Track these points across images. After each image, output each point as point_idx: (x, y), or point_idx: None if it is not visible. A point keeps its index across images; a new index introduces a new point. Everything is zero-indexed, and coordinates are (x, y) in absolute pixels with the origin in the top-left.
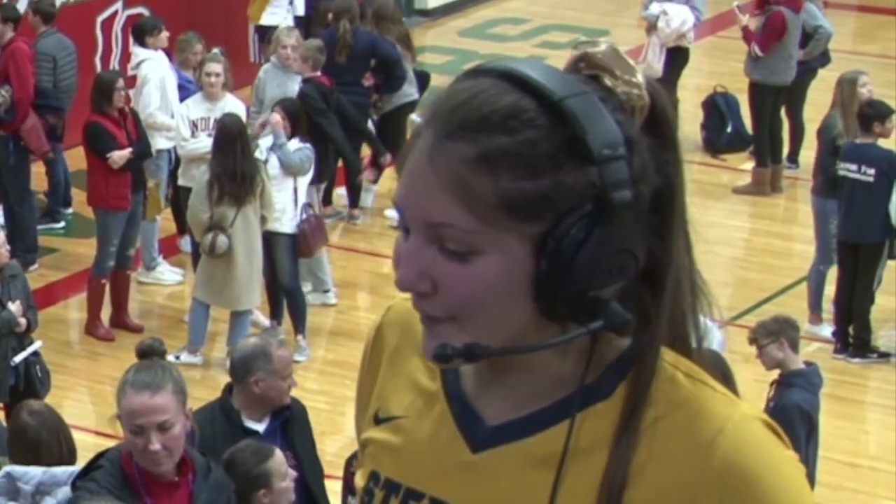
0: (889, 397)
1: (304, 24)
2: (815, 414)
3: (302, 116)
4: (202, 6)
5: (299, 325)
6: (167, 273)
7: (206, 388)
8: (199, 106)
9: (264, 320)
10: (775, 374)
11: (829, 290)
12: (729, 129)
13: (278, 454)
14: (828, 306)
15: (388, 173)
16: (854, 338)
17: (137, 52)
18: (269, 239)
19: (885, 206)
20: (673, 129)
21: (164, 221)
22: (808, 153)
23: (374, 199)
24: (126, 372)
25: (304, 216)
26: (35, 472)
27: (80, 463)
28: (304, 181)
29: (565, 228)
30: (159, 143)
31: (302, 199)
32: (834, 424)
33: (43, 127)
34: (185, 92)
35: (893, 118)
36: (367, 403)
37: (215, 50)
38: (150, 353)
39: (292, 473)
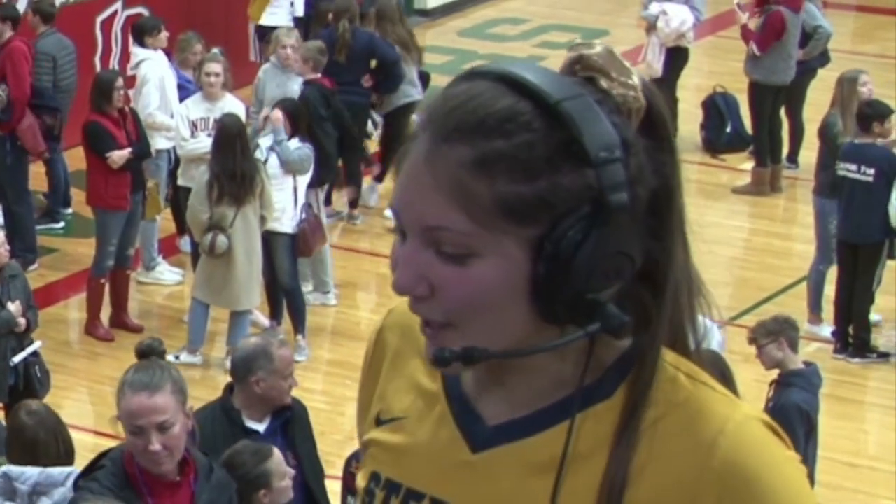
0: (888, 397)
1: (304, 25)
2: (815, 414)
3: (302, 117)
4: (202, 6)
5: (299, 324)
6: (167, 273)
7: (206, 388)
8: (199, 106)
9: (264, 320)
10: (775, 374)
11: (829, 290)
12: (728, 129)
13: (277, 454)
14: (828, 306)
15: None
16: (854, 338)
17: (137, 52)
18: (269, 239)
19: (884, 206)
20: (669, 131)
21: (164, 221)
22: (808, 153)
23: (377, 199)
24: (125, 373)
25: (304, 216)
26: (31, 473)
27: (79, 463)
28: (304, 181)
29: (562, 231)
30: (159, 143)
31: (301, 198)
32: (833, 424)
33: (39, 127)
34: (184, 92)
35: (893, 118)
36: (368, 406)
37: (215, 50)
38: (149, 353)
39: (290, 472)
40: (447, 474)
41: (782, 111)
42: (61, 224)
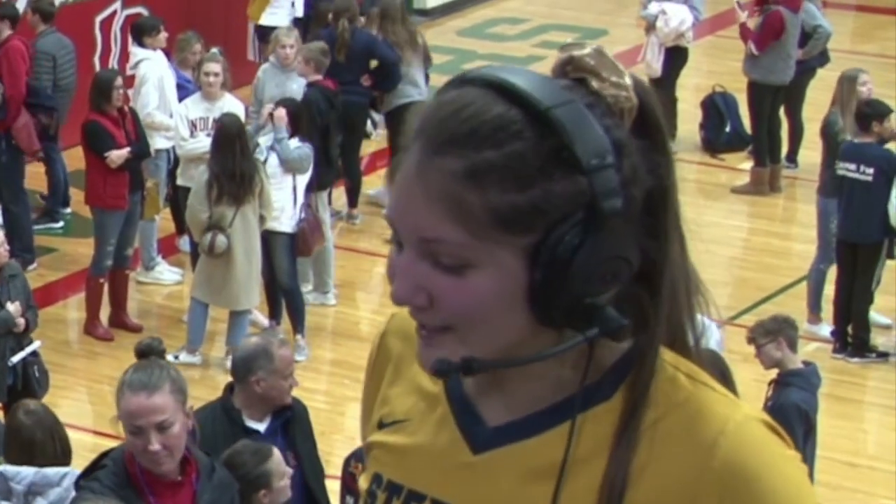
0: (888, 397)
1: (303, 25)
2: (814, 414)
3: (303, 117)
4: (201, 6)
5: (298, 324)
6: (166, 273)
7: (205, 387)
8: (198, 106)
9: (263, 320)
10: (774, 373)
11: (829, 289)
12: (728, 129)
13: (277, 453)
14: (827, 306)
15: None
16: (853, 337)
17: (136, 52)
18: (268, 238)
19: (883, 206)
20: (662, 130)
21: (163, 221)
22: (807, 153)
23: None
24: (124, 373)
25: (303, 215)
26: (27, 473)
27: (79, 463)
28: (303, 180)
29: (557, 238)
30: (158, 142)
31: (301, 198)
32: (833, 424)
33: (35, 126)
34: (184, 92)
35: (892, 117)
36: (371, 411)
37: (214, 50)
38: (148, 353)
39: (289, 472)
40: (448, 476)
41: (782, 111)
42: (60, 224)
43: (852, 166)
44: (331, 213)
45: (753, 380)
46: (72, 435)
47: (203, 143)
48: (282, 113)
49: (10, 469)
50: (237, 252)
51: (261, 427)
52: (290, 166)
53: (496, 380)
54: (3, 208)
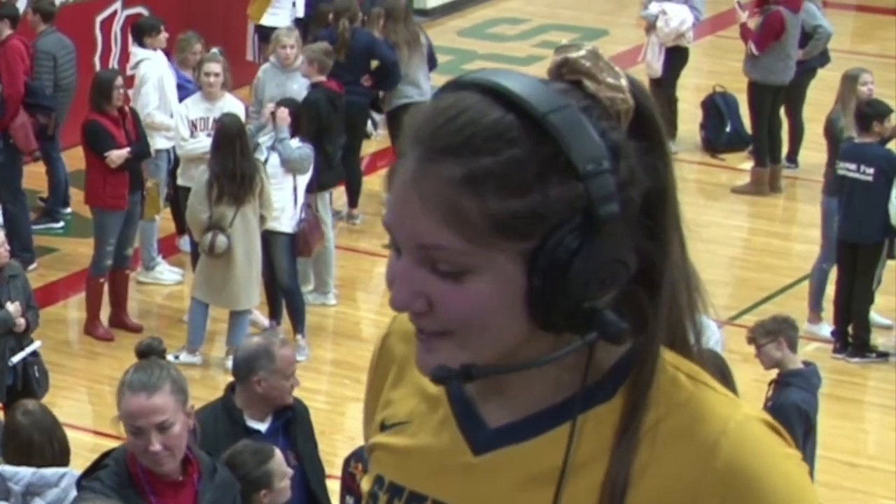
0: (888, 397)
1: (303, 26)
2: (814, 414)
3: (303, 117)
4: (201, 6)
5: (298, 324)
6: (166, 273)
7: (206, 387)
8: (198, 106)
9: (263, 320)
10: (774, 373)
11: (829, 289)
12: (728, 129)
13: (278, 454)
14: (828, 306)
15: (382, 173)
16: (853, 337)
17: (136, 52)
18: (268, 238)
19: (884, 206)
20: (660, 131)
21: (164, 221)
22: (808, 153)
23: None
24: (125, 373)
25: (303, 215)
26: (25, 473)
27: (79, 463)
28: (304, 180)
29: (555, 244)
30: (158, 142)
31: (301, 198)
32: (833, 424)
33: (32, 126)
34: (184, 92)
35: (892, 117)
36: (373, 412)
37: (214, 50)
38: (149, 353)
39: (289, 472)
40: (449, 477)
41: (782, 111)
42: (61, 224)
43: (852, 166)
44: (331, 214)
45: (753, 380)
46: (72, 435)
47: (203, 143)
48: (285, 113)
49: (8, 469)
50: (237, 252)
51: (262, 427)
52: (291, 166)
53: (496, 382)
54: (2, 208)
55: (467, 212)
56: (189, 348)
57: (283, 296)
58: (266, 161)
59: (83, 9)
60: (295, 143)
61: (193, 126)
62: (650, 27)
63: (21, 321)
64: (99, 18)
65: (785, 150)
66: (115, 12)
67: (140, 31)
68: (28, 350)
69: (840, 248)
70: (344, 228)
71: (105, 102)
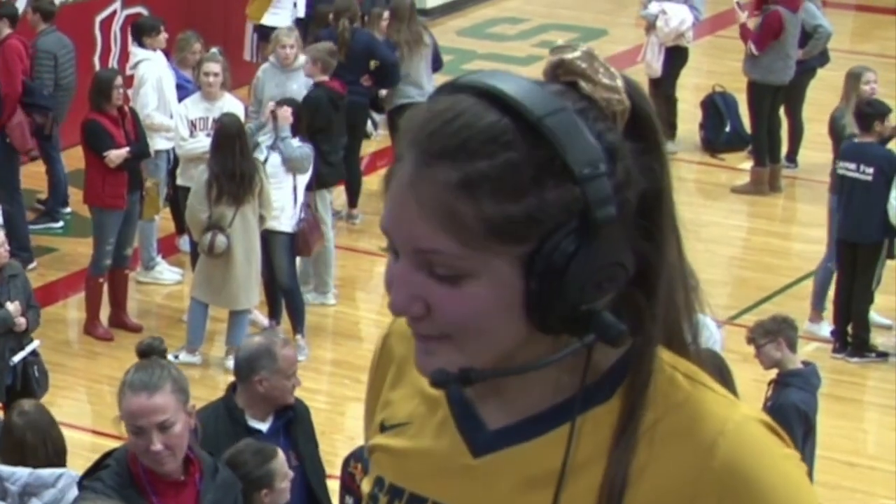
0: (887, 397)
1: (303, 26)
2: (813, 414)
3: (303, 117)
4: (201, 6)
5: (298, 324)
6: (166, 272)
7: (206, 387)
8: (198, 106)
9: (263, 320)
10: (773, 373)
11: (830, 289)
12: (727, 129)
13: (281, 455)
14: (828, 305)
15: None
16: (853, 337)
17: (135, 53)
18: (268, 238)
19: (883, 206)
20: (656, 131)
21: (163, 221)
22: (807, 153)
23: None
24: (126, 373)
25: (303, 215)
26: (21, 473)
27: (79, 463)
28: (304, 180)
29: (552, 247)
30: (158, 143)
31: (301, 198)
32: (832, 424)
33: (29, 125)
34: (183, 92)
35: (892, 117)
36: (374, 413)
37: (213, 49)
38: (149, 353)
39: (290, 473)
40: (449, 479)
41: (781, 111)
42: (60, 224)
43: (852, 166)
44: (331, 213)
45: (753, 380)
46: (72, 435)
47: (203, 143)
48: (287, 112)
49: (4, 469)
50: (237, 252)
51: (263, 427)
52: (292, 165)
53: (495, 384)
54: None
55: (463, 216)
56: (189, 348)
57: (283, 295)
58: (266, 160)
59: (83, 8)
60: (296, 142)
61: (193, 126)
62: (650, 27)
63: (21, 320)
64: (98, 18)
65: (784, 149)
66: (114, 12)
67: (140, 31)
68: (28, 349)
69: (839, 248)
70: (344, 228)
71: (104, 102)
